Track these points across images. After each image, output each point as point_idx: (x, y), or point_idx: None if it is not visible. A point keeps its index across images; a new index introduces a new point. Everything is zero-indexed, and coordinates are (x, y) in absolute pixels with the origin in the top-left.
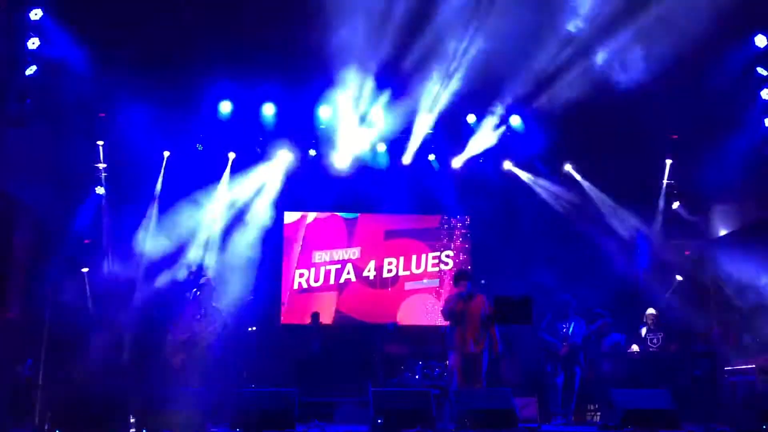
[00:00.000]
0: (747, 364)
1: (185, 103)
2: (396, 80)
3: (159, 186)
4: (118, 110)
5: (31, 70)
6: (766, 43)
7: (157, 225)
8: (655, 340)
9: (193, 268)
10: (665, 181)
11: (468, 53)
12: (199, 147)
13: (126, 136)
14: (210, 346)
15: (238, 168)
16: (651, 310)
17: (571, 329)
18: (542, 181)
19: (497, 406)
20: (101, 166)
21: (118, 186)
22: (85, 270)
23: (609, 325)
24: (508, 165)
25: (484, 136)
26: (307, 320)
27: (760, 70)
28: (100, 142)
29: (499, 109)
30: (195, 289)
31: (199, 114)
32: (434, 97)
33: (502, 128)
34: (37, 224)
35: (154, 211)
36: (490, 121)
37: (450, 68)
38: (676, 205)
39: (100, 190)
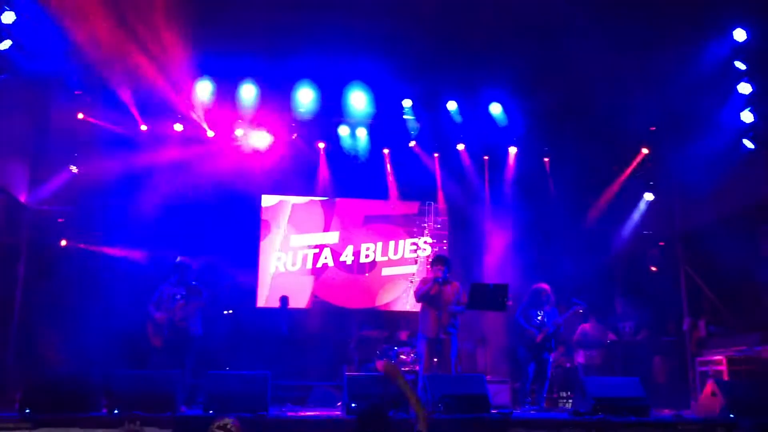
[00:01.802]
0: (716, 355)
1: (165, 81)
2: (376, 65)
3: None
4: (95, 89)
5: (5, 45)
6: (745, 37)
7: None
8: (626, 329)
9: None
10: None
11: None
12: None
13: (103, 115)
14: (191, 327)
15: (218, 149)
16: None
17: (545, 317)
18: (519, 170)
19: (470, 391)
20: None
21: (93, 166)
22: (63, 243)
23: (580, 313)
24: (486, 153)
25: (465, 124)
26: (279, 304)
27: (738, 64)
28: (80, 115)
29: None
30: (174, 268)
31: (178, 93)
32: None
33: (483, 116)
34: (9, 203)
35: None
36: (471, 108)
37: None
38: (650, 196)
39: (74, 168)
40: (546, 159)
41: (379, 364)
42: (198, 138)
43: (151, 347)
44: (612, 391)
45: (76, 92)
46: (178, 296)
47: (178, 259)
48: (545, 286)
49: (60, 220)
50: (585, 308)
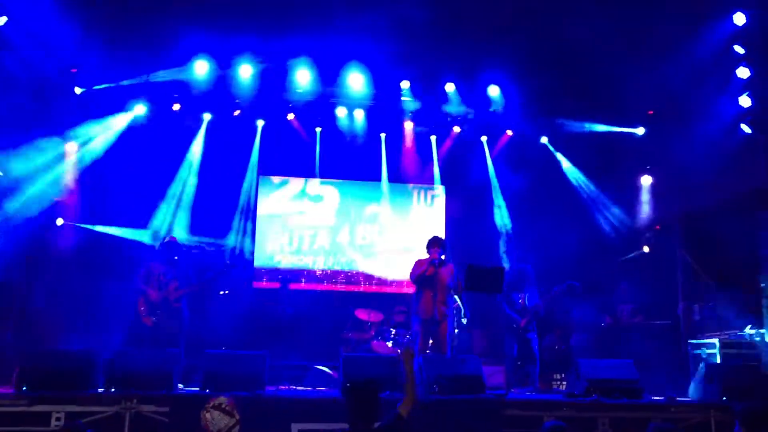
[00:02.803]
0: (710, 338)
1: (159, 58)
2: (374, 46)
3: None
4: (88, 65)
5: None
6: (744, 21)
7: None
8: (624, 312)
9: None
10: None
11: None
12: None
13: (97, 91)
14: (184, 308)
15: (214, 130)
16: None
17: (526, 300)
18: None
19: (465, 372)
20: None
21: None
22: (59, 222)
23: (577, 295)
24: (484, 136)
25: (462, 106)
26: (278, 284)
27: (737, 48)
28: (78, 90)
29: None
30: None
31: (172, 70)
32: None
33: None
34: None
35: None
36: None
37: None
38: (648, 179)
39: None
40: (544, 140)
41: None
42: (194, 117)
43: (143, 326)
44: (605, 373)
45: (72, 69)
46: (170, 276)
47: (167, 238)
48: (527, 266)
49: (56, 199)
50: (579, 289)
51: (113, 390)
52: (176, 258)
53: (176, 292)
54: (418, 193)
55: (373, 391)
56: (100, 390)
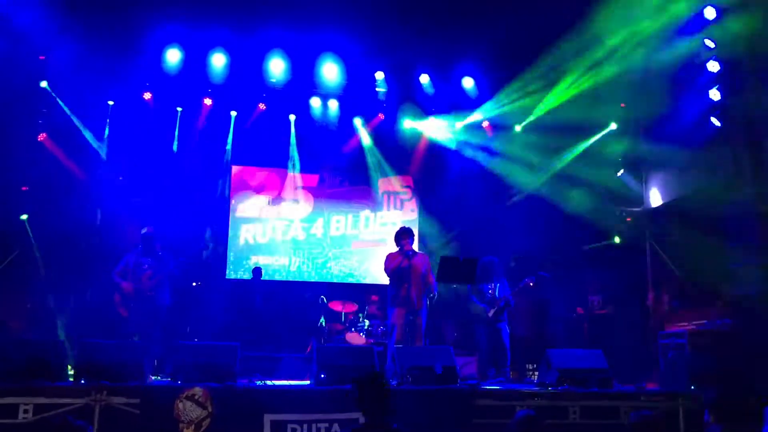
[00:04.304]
0: (679, 328)
1: (130, 48)
2: (349, 37)
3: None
4: (58, 53)
5: None
6: (714, 15)
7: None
8: (595, 302)
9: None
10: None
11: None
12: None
13: (68, 82)
14: (158, 297)
15: (187, 121)
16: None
17: (496, 291)
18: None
19: (438, 363)
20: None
21: (62, 134)
22: (24, 217)
23: (534, 283)
24: (458, 126)
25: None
26: (252, 276)
27: (708, 42)
28: (44, 83)
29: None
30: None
31: (145, 61)
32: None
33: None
34: None
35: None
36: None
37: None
38: (620, 172)
39: (41, 136)
40: (518, 127)
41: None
42: (166, 107)
43: (119, 317)
44: (576, 363)
45: (40, 57)
46: (146, 266)
47: (145, 229)
48: (494, 258)
49: (24, 188)
50: (548, 280)
51: (82, 381)
52: (154, 248)
53: (149, 281)
54: (388, 198)
55: (382, 383)
56: (69, 381)
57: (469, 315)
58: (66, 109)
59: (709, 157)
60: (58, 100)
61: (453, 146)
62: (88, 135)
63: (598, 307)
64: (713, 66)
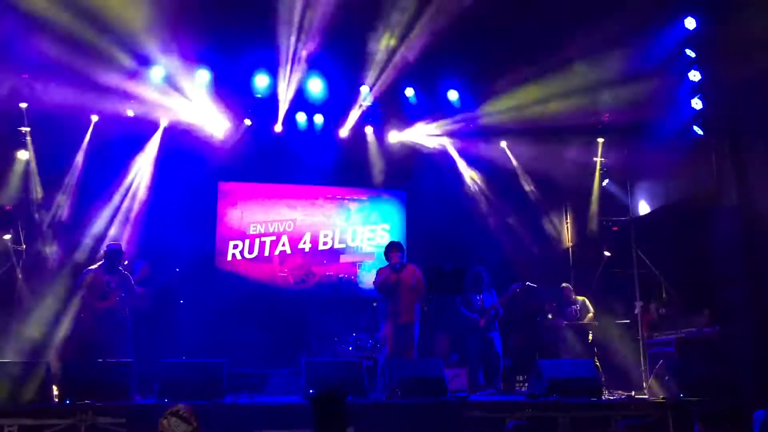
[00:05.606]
0: (667, 336)
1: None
2: (334, 50)
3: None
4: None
5: None
6: (695, 26)
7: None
8: (573, 312)
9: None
10: (598, 159)
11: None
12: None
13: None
14: (129, 314)
15: (170, 135)
16: (565, 284)
17: (484, 302)
18: (477, 157)
19: (428, 375)
20: (24, 129)
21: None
22: (7, 237)
23: (523, 292)
24: (445, 140)
25: (423, 110)
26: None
27: (689, 52)
28: (23, 105)
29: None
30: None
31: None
32: (374, 67)
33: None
34: None
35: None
36: (429, 95)
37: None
38: (605, 182)
39: (23, 154)
40: (503, 144)
41: None
42: (151, 124)
43: (92, 338)
44: (566, 373)
45: (23, 75)
46: (113, 285)
47: (107, 245)
48: (481, 268)
49: (8, 207)
50: (536, 290)
51: (68, 402)
52: (122, 266)
53: (122, 302)
54: (380, 197)
55: (341, 400)
56: (55, 402)
57: (458, 326)
58: None
59: (692, 166)
60: None
61: (440, 156)
62: None
63: (575, 316)
64: (694, 75)
